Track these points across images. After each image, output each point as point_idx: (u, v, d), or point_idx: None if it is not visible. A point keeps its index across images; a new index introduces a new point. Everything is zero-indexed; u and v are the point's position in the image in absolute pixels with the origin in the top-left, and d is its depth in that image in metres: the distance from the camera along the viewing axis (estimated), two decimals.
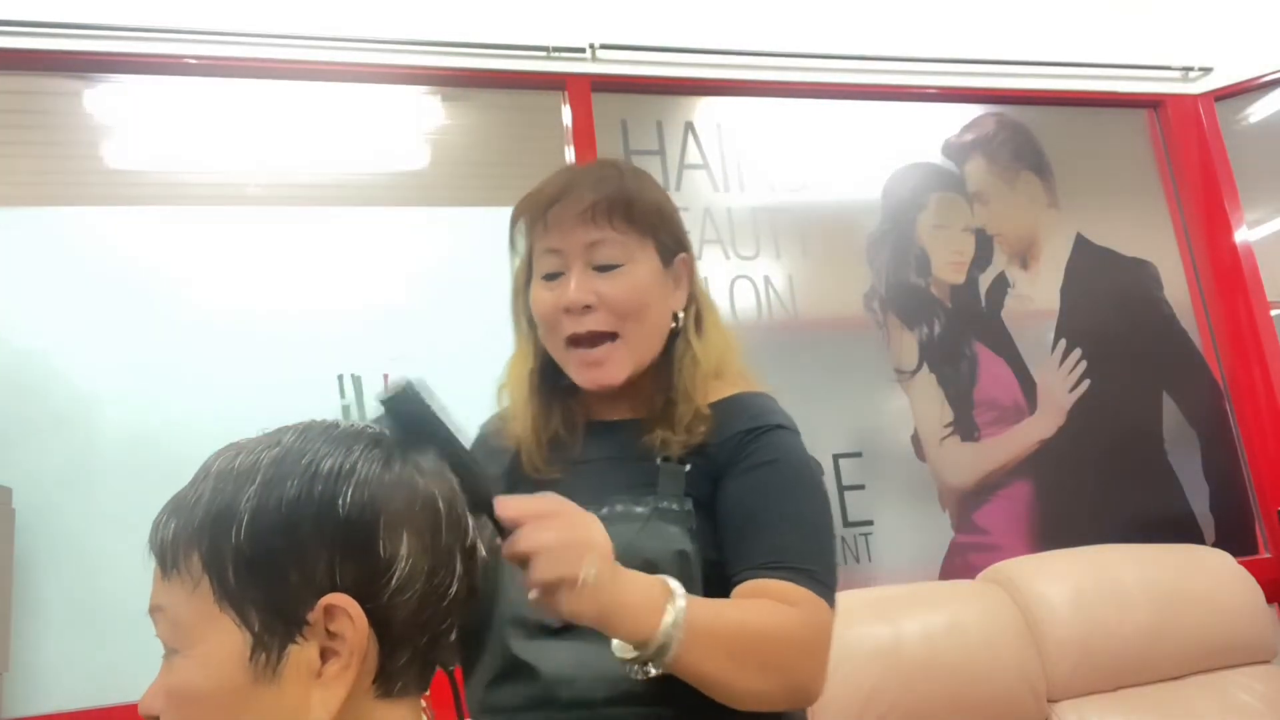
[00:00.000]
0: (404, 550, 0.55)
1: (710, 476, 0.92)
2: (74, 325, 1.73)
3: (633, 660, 0.76)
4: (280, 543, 0.54)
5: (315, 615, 0.53)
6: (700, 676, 0.78)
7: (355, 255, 1.92)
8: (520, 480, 0.99)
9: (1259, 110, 2.56)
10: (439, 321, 1.91)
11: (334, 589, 0.54)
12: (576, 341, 0.94)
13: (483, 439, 1.05)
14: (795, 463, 0.92)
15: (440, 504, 0.59)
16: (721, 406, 0.95)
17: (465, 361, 1.89)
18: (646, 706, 0.84)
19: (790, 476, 0.91)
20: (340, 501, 0.54)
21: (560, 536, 0.72)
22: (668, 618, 0.75)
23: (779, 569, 0.85)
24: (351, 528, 0.54)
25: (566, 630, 0.85)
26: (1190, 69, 2.53)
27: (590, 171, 0.97)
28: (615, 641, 0.77)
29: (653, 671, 0.76)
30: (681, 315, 0.99)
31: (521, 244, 1.00)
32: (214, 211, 1.87)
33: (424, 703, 0.62)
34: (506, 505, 0.70)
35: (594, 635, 0.77)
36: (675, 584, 0.77)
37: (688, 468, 0.93)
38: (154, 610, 0.57)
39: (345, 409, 1.77)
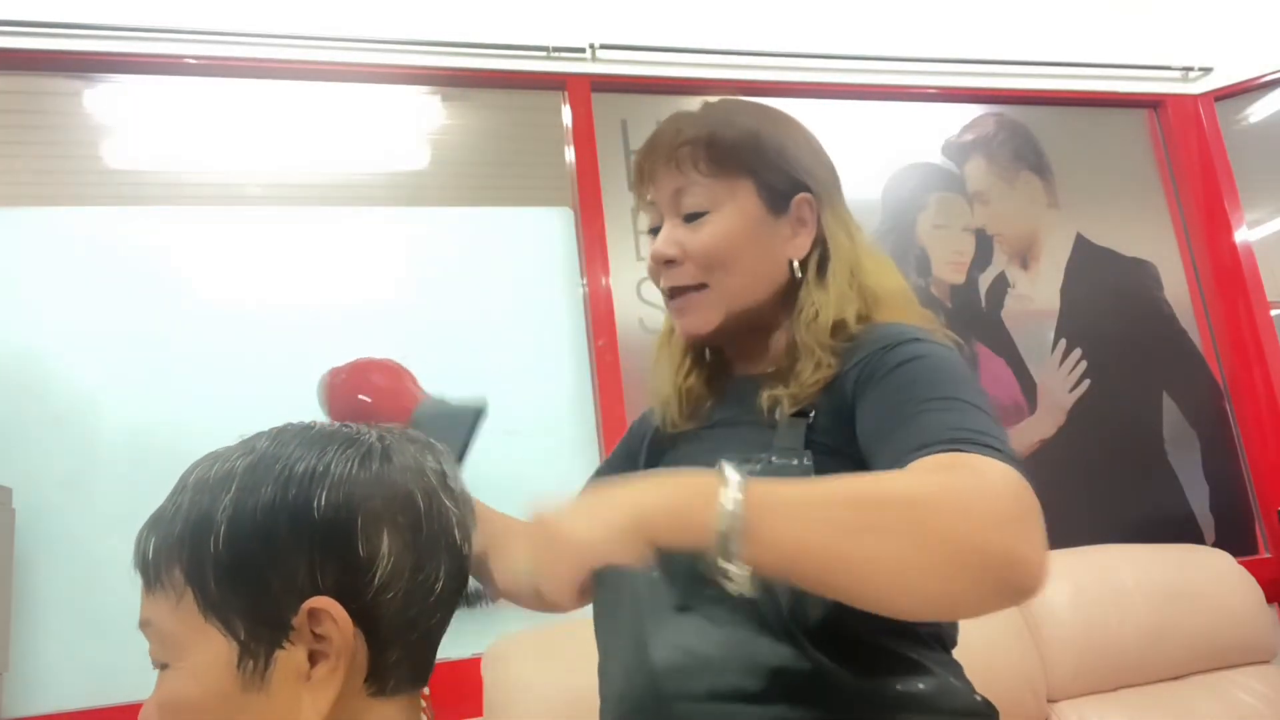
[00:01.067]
0: (385, 548, 0.55)
1: (840, 415, 0.78)
2: (74, 325, 1.73)
3: (709, 565, 0.59)
4: (258, 549, 0.54)
5: (299, 619, 0.53)
6: (805, 563, 0.59)
7: (355, 255, 1.92)
8: (656, 439, 0.95)
9: (1259, 110, 2.56)
10: (439, 321, 1.91)
11: (316, 592, 0.53)
12: (672, 294, 0.89)
13: (643, 416, 1.01)
14: (939, 358, 0.76)
15: (419, 499, 0.58)
16: (855, 339, 0.82)
17: (465, 361, 1.89)
18: (762, 706, 0.71)
19: (934, 367, 0.75)
20: (315, 503, 0.54)
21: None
22: (726, 493, 0.58)
23: (927, 446, 0.66)
24: (329, 529, 0.54)
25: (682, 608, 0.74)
26: (1190, 69, 2.52)
27: (689, 112, 0.90)
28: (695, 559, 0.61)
29: (741, 575, 0.58)
30: (798, 264, 0.87)
31: (640, 207, 0.95)
32: (214, 211, 1.87)
33: (423, 701, 0.61)
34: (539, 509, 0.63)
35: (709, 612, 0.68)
36: (727, 465, 0.61)
37: (810, 417, 0.80)
38: (143, 625, 0.57)
39: None
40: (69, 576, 1.62)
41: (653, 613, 0.76)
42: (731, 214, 0.85)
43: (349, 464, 0.56)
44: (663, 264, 0.87)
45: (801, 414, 0.80)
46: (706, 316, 0.87)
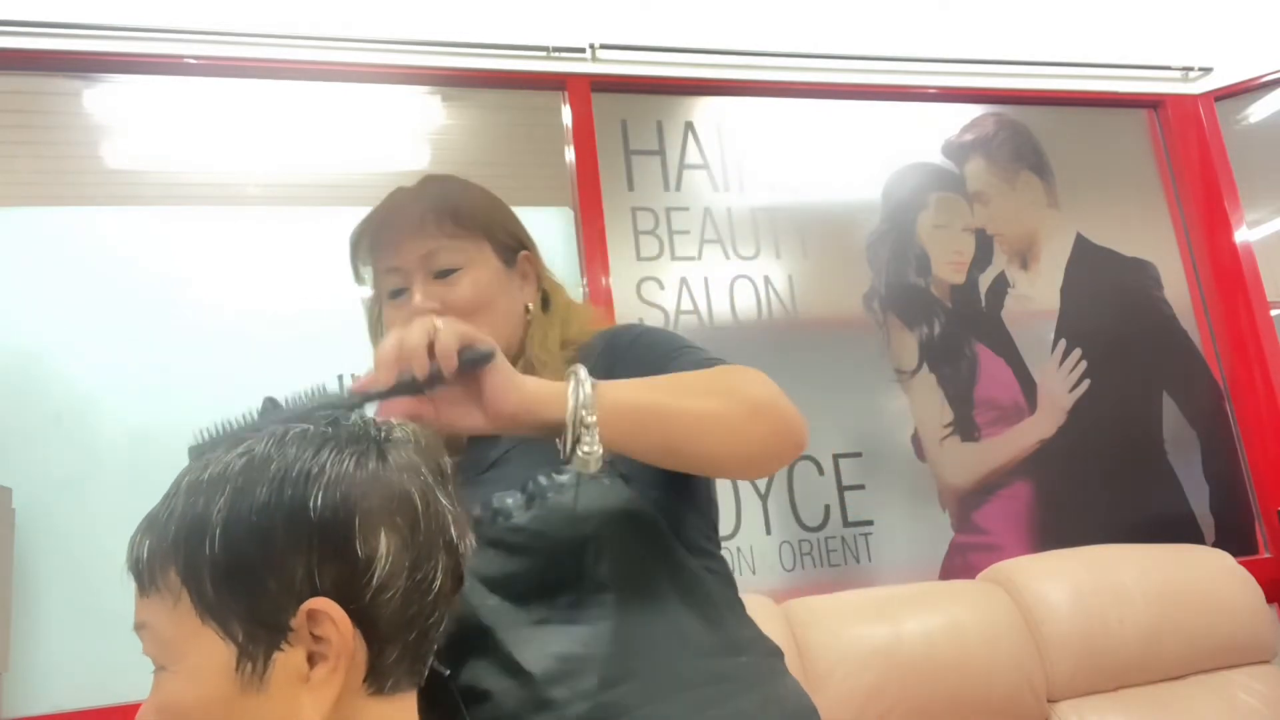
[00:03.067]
0: (383, 548, 0.55)
1: None
2: (74, 325, 1.73)
3: (565, 442, 0.72)
4: (255, 551, 0.53)
5: (298, 621, 0.53)
6: (653, 422, 0.75)
7: None
8: None
9: (1259, 110, 2.56)
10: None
11: (314, 593, 0.53)
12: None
13: None
14: (659, 328, 0.96)
15: (416, 498, 0.58)
16: (583, 347, 0.95)
17: None
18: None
19: (662, 332, 0.94)
20: (312, 504, 0.54)
21: (424, 326, 0.71)
22: (573, 381, 0.73)
23: (705, 364, 0.85)
24: (326, 530, 0.54)
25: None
26: (1190, 69, 2.52)
27: (415, 188, 1.00)
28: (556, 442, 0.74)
29: (597, 450, 0.71)
30: (531, 307, 1.00)
31: (365, 273, 1.03)
32: (214, 211, 1.87)
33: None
34: (360, 380, 0.71)
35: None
36: (579, 367, 0.75)
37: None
38: (138, 628, 0.57)
39: None
40: (69, 576, 1.62)
41: (511, 631, 0.79)
42: (480, 268, 0.95)
43: (345, 464, 0.56)
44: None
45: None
46: None
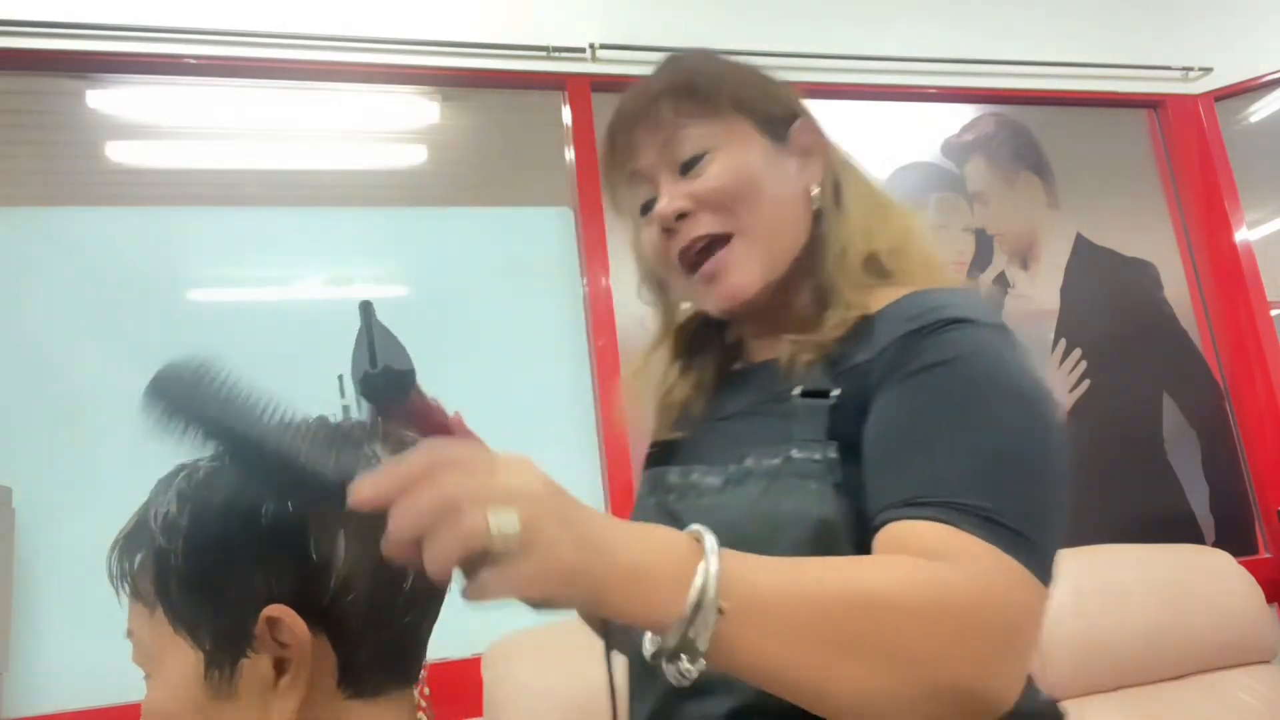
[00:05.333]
0: (341, 550, 0.54)
1: (861, 405, 0.66)
2: (74, 325, 1.73)
3: (662, 653, 0.50)
4: (214, 560, 0.53)
5: (260, 628, 0.52)
6: (771, 674, 0.51)
7: (355, 255, 1.92)
8: (652, 453, 0.85)
9: (1259, 110, 2.56)
10: (439, 321, 1.91)
11: (273, 599, 0.53)
12: (692, 263, 0.76)
13: None
14: (982, 363, 0.62)
15: None
16: (886, 312, 0.70)
17: (465, 361, 1.89)
18: None
19: (967, 379, 0.62)
20: (263, 510, 0.53)
21: (442, 488, 0.44)
22: (697, 580, 0.48)
23: (926, 505, 0.57)
24: (279, 536, 0.53)
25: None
26: (1190, 69, 2.52)
27: (650, 75, 0.80)
28: (647, 635, 0.51)
29: (692, 671, 0.49)
30: (817, 192, 0.77)
31: (622, 196, 0.83)
32: (214, 211, 1.87)
33: (424, 700, 0.61)
34: (361, 487, 0.45)
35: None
36: (709, 536, 0.50)
37: (833, 397, 0.68)
38: (128, 635, 0.58)
39: (345, 409, 1.76)
40: (69, 576, 1.62)
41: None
42: (734, 149, 0.75)
43: (300, 467, 0.56)
44: (674, 222, 0.75)
45: (821, 394, 0.68)
46: (746, 272, 0.74)
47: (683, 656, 0.49)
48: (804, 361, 0.72)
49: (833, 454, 0.66)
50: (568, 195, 2.08)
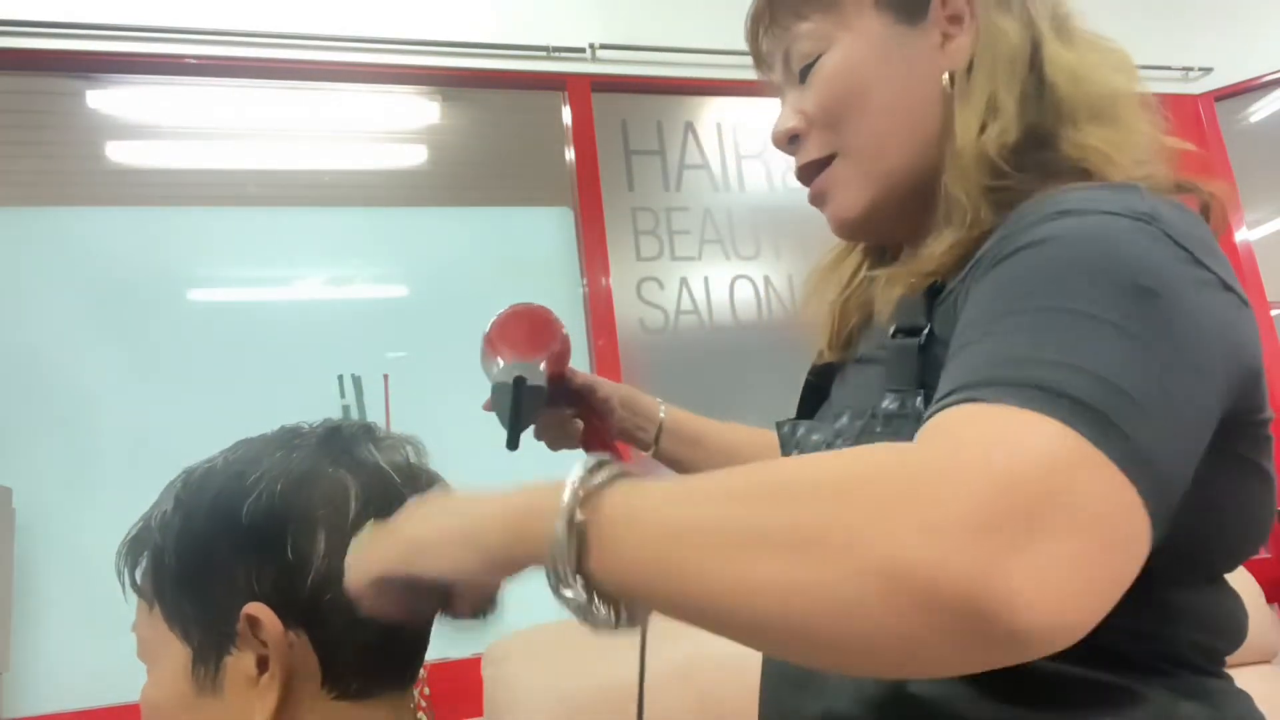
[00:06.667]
0: (320, 548, 0.54)
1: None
2: (74, 325, 1.73)
3: (557, 590, 0.43)
4: (199, 558, 0.55)
5: (241, 626, 0.53)
6: (661, 590, 0.40)
7: (355, 255, 1.92)
8: (809, 378, 0.80)
9: (1259, 110, 2.56)
10: (439, 321, 1.91)
11: (254, 597, 0.53)
12: (811, 189, 0.69)
13: None
14: (1084, 245, 0.47)
15: (353, 496, 0.56)
16: (1022, 209, 0.54)
17: (465, 362, 1.89)
18: None
19: (1053, 256, 0.47)
20: (244, 508, 0.54)
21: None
22: (565, 498, 0.42)
23: (957, 391, 0.42)
24: (258, 534, 0.54)
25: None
26: (1190, 69, 2.52)
27: None
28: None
29: (580, 598, 0.42)
30: (948, 80, 0.61)
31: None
32: (214, 211, 1.87)
33: (424, 701, 0.61)
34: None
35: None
36: (589, 459, 0.44)
37: (922, 338, 0.56)
38: (134, 629, 0.59)
39: (345, 409, 1.77)
40: (69, 576, 1.63)
41: None
42: (845, 45, 0.64)
43: (286, 465, 0.56)
44: (788, 146, 0.68)
45: (913, 332, 0.57)
46: (851, 194, 0.65)
47: (571, 583, 0.42)
48: (906, 294, 0.59)
49: (919, 404, 0.54)
50: (568, 195, 2.08)
